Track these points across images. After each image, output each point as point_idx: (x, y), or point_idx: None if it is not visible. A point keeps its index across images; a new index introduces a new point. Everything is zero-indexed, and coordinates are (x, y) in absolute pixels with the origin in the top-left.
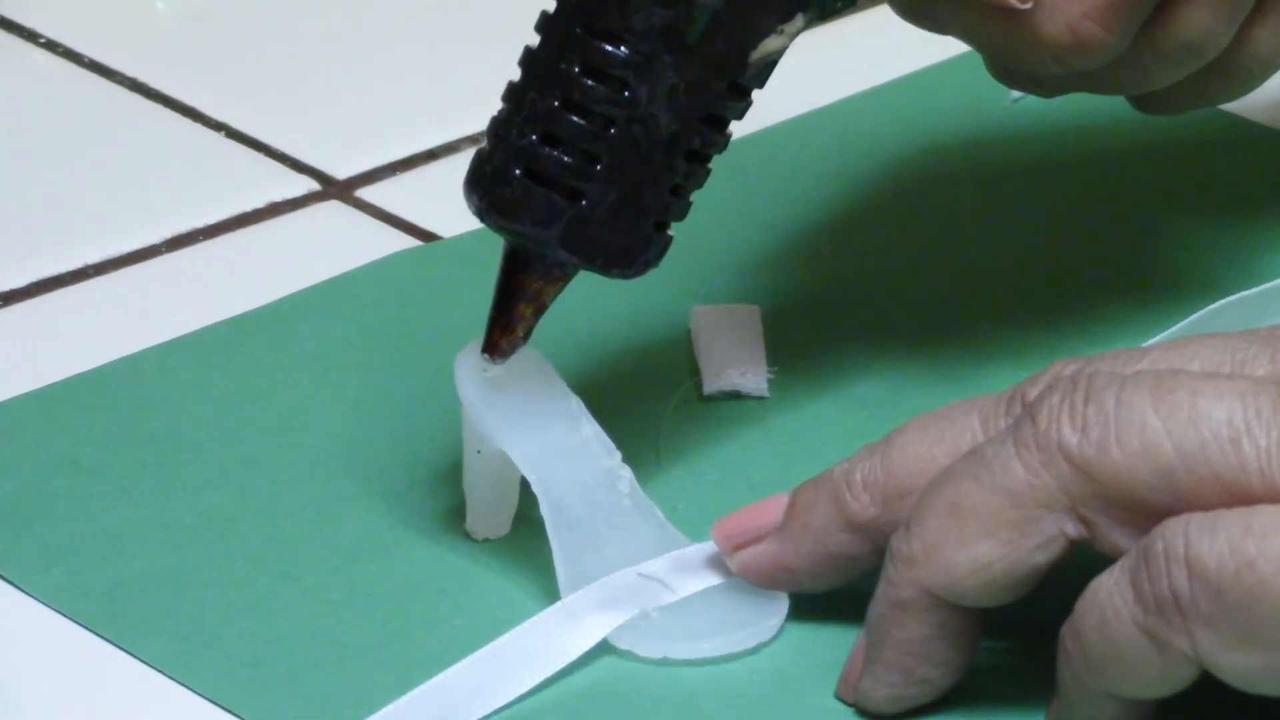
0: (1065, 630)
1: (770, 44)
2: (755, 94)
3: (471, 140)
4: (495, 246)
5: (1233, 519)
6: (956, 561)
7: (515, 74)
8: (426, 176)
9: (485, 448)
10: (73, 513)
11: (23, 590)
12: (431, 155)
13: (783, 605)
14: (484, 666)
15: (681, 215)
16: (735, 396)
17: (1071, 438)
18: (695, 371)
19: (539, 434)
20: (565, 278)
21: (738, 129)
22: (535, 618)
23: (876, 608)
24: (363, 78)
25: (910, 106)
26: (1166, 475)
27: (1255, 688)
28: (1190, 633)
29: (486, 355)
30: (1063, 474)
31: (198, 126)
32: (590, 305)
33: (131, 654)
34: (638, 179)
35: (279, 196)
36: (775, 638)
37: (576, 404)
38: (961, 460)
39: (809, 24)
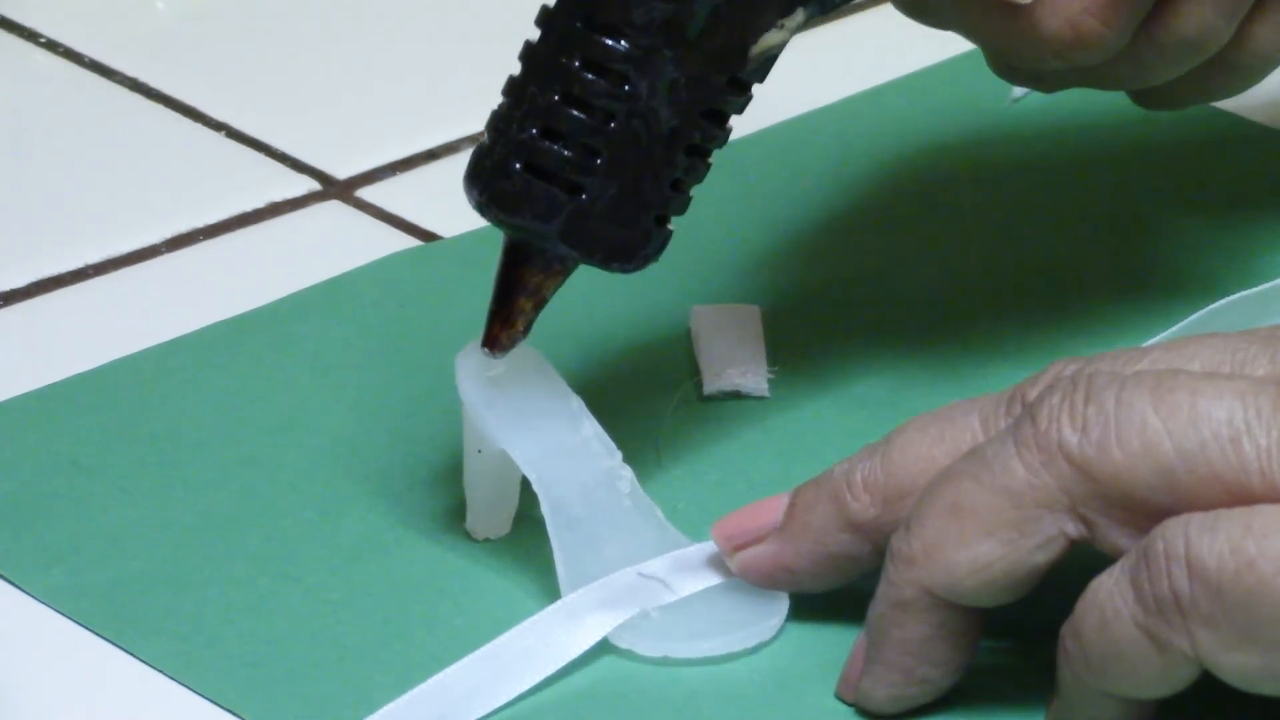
0: (1065, 630)
1: (770, 38)
2: (755, 92)
3: (471, 140)
4: (495, 246)
5: (1233, 519)
6: (957, 561)
7: (515, 73)
8: (426, 176)
9: (486, 447)
10: (73, 513)
11: (23, 590)
12: (432, 155)
13: (783, 605)
14: (484, 666)
15: (682, 210)
16: (735, 396)
17: (1072, 438)
18: (695, 371)
19: (539, 433)
20: (565, 272)
21: (738, 129)
22: (535, 617)
23: (877, 608)
24: (363, 78)
25: (910, 106)
26: (1166, 475)
27: (1255, 688)
28: (1190, 632)
29: (486, 349)
30: (1063, 474)
31: (198, 126)
32: (591, 305)
33: (131, 654)
34: (638, 173)
35: (279, 196)
36: (775, 637)
37: (577, 404)
38: (962, 460)
39: (809, 18)
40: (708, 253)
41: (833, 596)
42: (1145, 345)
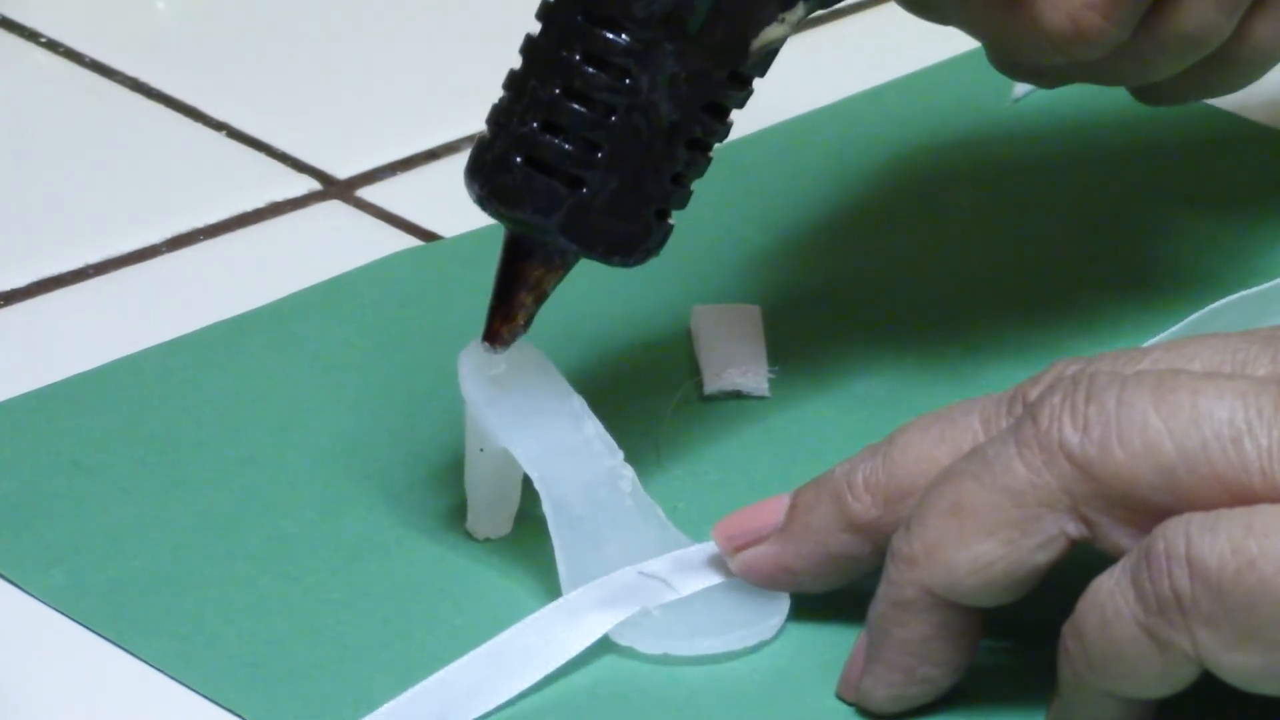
0: (1066, 630)
1: (771, 32)
2: (756, 92)
3: (472, 140)
4: (495, 246)
5: (1234, 518)
6: (957, 561)
7: (516, 67)
8: (427, 176)
9: (487, 446)
10: (73, 513)
11: (23, 590)
12: (432, 155)
13: (784, 605)
14: (484, 663)
15: (682, 204)
16: (736, 396)
17: (1073, 437)
18: (696, 371)
19: (541, 432)
20: (566, 266)
21: (738, 128)
22: (536, 615)
23: (878, 607)
24: (363, 78)
25: (910, 106)
26: (1168, 475)
27: (1256, 687)
28: (1191, 632)
29: (487, 343)
30: (1064, 473)
31: (198, 126)
32: (592, 305)
33: (132, 654)
34: (639, 167)
35: (280, 196)
36: (776, 637)
37: (579, 403)
38: (963, 460)
39: (810, 12)
40: (708, 253)
41: (833, 596)
42: (1146, 345)
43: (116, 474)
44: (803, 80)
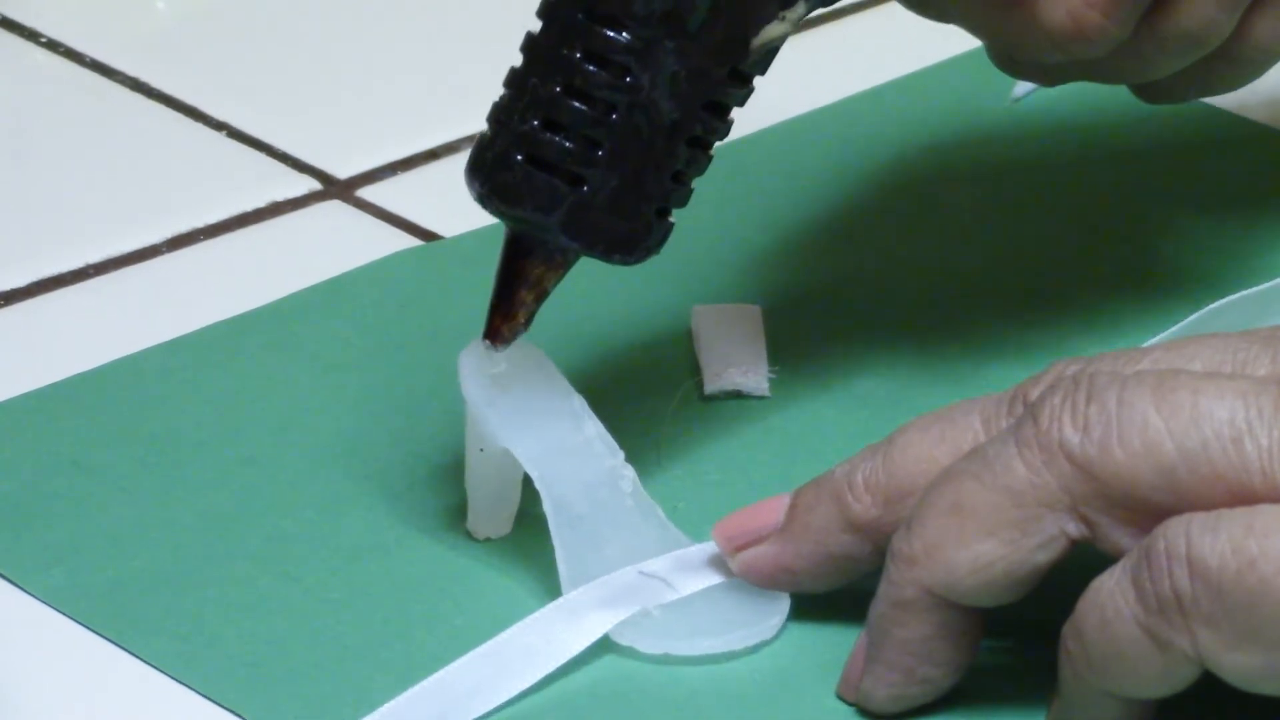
0: (1066, 630)
1: (772, 30)
2: (756, 92)
3: (472, 140)
4: (495, 246)
5: (1234, 518)
6: (958, 561)
7: (517, 64)
8: (427, 176)
9: (488, 446)
10: (73, 513)
11: (23, 590)
12: (432, 155)
13: (784, 605)
14: (485, 663)
15: (683, 202)
16: (736, 396)
17: (1073, 437)
18: (696, 371)
19: (542, 432)
20: (567, 264)
21: (738, 128)
22: (536, 614)
23: (878, 607)
24: (363, 78)
25: (910, 106)
26: (1168, 475)
27: (1256, 687)
28: (1192, 632)
29: (488, 341)
30: (1064, 473)
31: (199, 126)
32: (592, 305)
33: (132, 653)
34: (639, 165)
35: (280, 196)
36: (776, 637)
37: (579, 403)
38: (963, 460)
39: (811, 10)
40: (708, 253)
41: (833, 596)
42: (1146, 345)
43: (116, 474)
44: (803, 80)
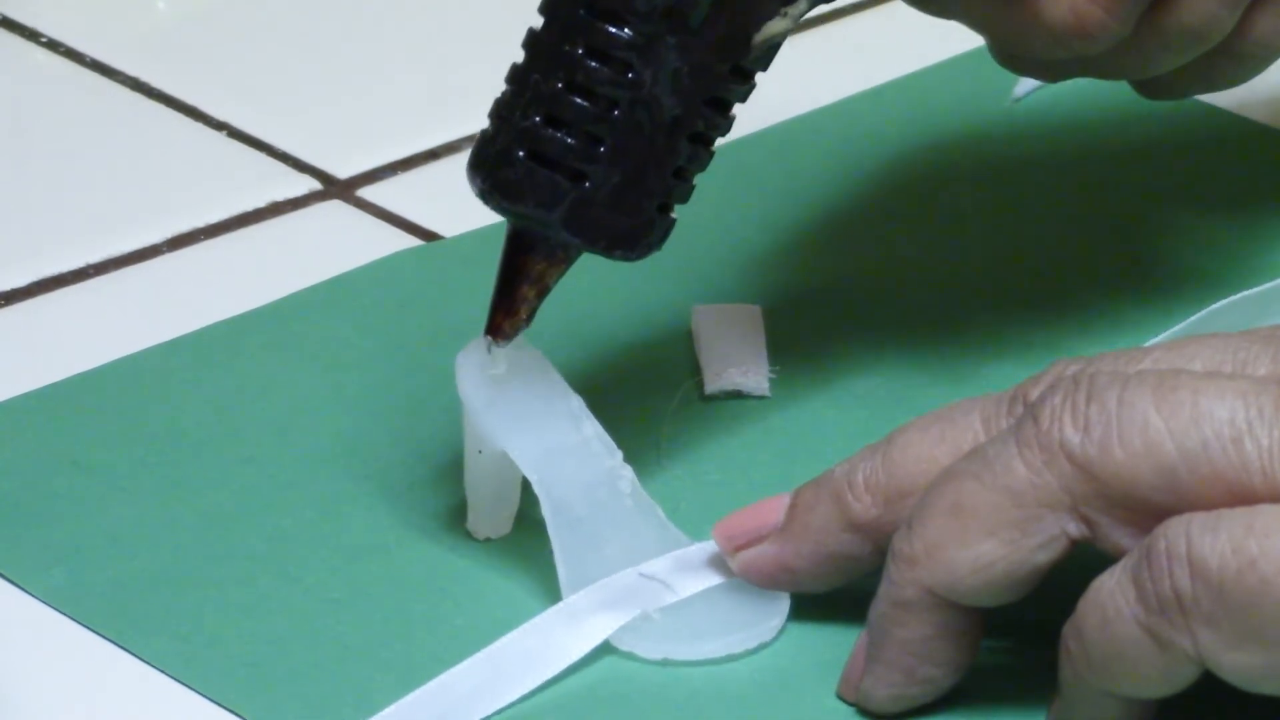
0: (1067, 630)
1: (773, 26)
2: (757, 92)
3: (473, 139)
4: (496, 246)
5: (1235, 518)
6: (958, 561)
7: (518, 60)
8: (428, 176)
9: (486, 447)
10: (73, 513)
11: (23, 590)
12: (433, 155)
13: (784, 605)
14: (485, 667)
15: (685, 198)
16: (736, 396)
17: (1074, 437)
18: (696, 371)
19: (540, 433)
20: (568, 260)
21: (738, 127)
22: (536, 618)
23: (878, 607)
24: (363, 78)
25: (910, 106)
26: (1168, 474)
27: (1257, 687)
28: (1192, 632)
29: (489, 338)
30: (1065, 473)
31: (199, 126)
32: (592, 304)
33: (132, 653)
34: (641, 161)
35: (280, 196)
36: (776, 638)
37: (578, 403)
38: (963, 460)
39: (812, 6)
40: (708, 252)
41: (833, 596)
42: (1146, 345)
43: (116, 474)
44: (803, 80)
